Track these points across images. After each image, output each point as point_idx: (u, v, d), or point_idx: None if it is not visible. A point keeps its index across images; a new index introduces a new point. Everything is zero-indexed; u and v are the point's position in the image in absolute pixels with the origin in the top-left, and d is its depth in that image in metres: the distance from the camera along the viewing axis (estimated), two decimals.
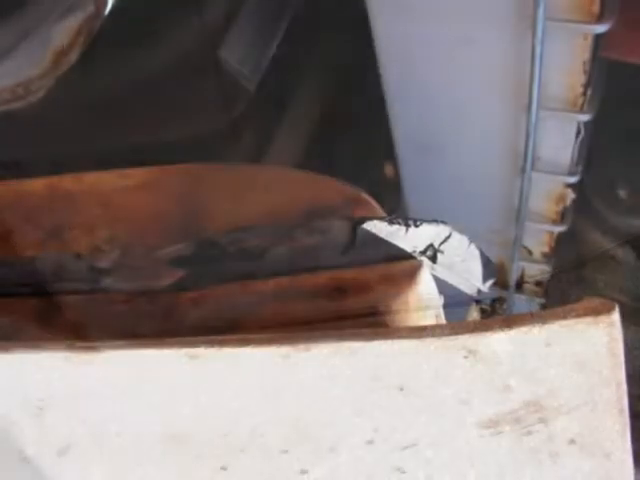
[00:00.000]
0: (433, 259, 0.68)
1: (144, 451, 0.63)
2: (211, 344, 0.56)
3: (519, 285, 1.51)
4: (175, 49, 1.09)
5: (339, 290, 0.65)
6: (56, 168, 0.78)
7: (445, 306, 0.73)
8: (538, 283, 1.50)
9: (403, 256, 0.67)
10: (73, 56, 0.93)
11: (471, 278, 0.72)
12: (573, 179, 1.20)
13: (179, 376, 0.59)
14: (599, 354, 0.53)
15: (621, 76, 1.09)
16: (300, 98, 1.36)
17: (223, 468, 0.63)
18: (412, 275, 0.66)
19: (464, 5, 0.97)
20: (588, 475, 0.58)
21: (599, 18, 0.91)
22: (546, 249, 1.40)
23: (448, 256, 0.69)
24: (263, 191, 0.70)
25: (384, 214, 0.70)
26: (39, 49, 0.95)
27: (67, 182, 0.74)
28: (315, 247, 0.66)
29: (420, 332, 0.54)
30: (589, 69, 0.99)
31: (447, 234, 0.68)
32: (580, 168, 1.20)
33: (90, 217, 0.72)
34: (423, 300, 0.67)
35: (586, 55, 0.97)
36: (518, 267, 1.44)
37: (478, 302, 0.89)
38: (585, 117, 1.08)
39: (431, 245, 0.68)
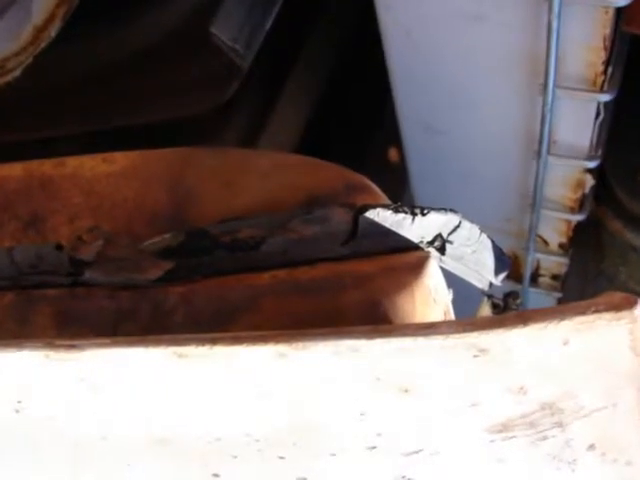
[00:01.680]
0: (441, 250, 0.68)
1: (130, 456, 0.63)
2: (202, 342, 0.56)
3: (534, 278, 1.50)
4: (162, 25, 1.08)
5: (339, 283, 0.65)
6: (37, 153, 0.78)
7: (454, 301, 0.73)
8: (555, 276, 1.50)
9: (409, 247, 0.67)
10: (52, 31, 0.93)
11: (482, 271, 0.72)
12: (592, 164, 1.20)
13: (167, 376, 0.58)
14: (621, 352, 0.53)
15: None
16: (297, 78, 1.35)
17: (215, 475, 0.62)
18: (418, 268, 0.66)
19: None
20: None
21: None
22: (563, 239, 1.40)
23: (457, 247, 0.69)
24: (258, 177, 0.70)
25: (388, 202, 0.69)
26: (17, 23, 0.95)
27: (47, 167, 0.74)
28: (314, 238, 0.66)
29: (427, 329, 0.54)
30: (610, 45, 0.99)
31: (456, 223, 0.68)
32: (600, 152, 1.19)
33: (71, 205, 0.71)
34: (430, 295, 0.66)
35: (607, 30, 0.97)
36: (533, 259, 1.44)
37: (490, 297, 0.89)
38: (605, 97, 1.07)
39: (439, 235, 0.68)
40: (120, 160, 0.73)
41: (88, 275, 0.67)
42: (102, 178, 0.72)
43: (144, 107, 1.20)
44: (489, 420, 0.57)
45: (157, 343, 0.56)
